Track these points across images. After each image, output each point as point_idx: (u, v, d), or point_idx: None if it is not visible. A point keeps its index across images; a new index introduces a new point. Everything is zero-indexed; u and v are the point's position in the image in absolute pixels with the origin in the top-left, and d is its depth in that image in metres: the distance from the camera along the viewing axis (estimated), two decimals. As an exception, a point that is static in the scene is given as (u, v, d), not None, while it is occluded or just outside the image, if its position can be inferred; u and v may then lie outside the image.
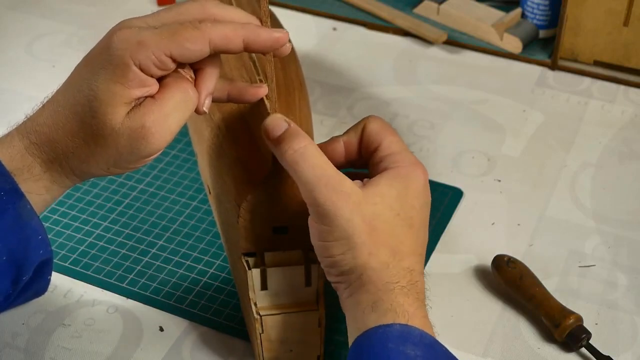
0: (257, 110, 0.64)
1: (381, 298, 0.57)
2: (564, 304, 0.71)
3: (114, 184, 0.85)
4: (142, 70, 0.55)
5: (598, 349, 0.68)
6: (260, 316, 0.62)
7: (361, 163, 0.63)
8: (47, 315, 0.72)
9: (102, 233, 0.80)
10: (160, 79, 0.57)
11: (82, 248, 0.78)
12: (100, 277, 0.76)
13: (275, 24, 0.84)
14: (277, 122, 0.59)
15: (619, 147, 0.91)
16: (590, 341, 0.69)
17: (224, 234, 0.74)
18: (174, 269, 0.76)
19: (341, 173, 0.58)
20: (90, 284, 0.75)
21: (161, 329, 0.72)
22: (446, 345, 0.57)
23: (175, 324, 0.72)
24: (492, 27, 1.04)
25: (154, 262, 0.77)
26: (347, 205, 0.57)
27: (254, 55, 0.71)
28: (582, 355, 0.69)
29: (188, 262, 0.77)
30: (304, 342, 0.65)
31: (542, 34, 1.04)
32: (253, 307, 0.62)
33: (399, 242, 0.58)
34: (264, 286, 0.62)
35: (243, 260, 0.62)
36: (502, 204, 0.84)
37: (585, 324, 0.70)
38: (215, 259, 0.77)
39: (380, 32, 1.09)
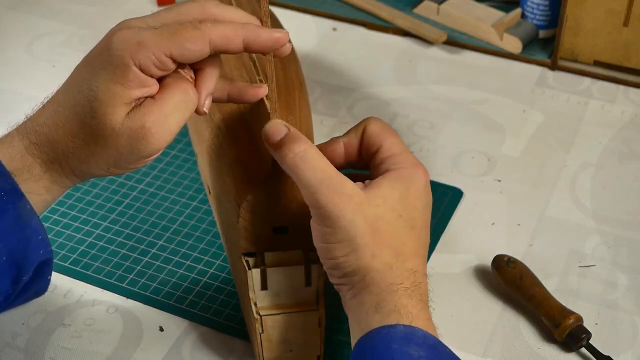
0: (257, 110, 0.64)
1: (385, 299, 0.57)
2: (564, 304, 0.71)
3: (114, 184, 0.85)
4: (142, 70, 0.55)
5: (598, 349, 0.68)
6: (260, 316, 0.62)
7: (361, 164, 0.63)
8: (47, 315, 0.72)
9: (102, 233, 0.80)
10: (160, 80, 0.57)
11: (82, 248, 0.78)
12: (100, 277, 0.76)
13: (276, 24, 0.84)
14: (277, 127, 0.59)
15: (619, 147, 0.91)
16: (590, 341, 0.69)
17: (224, 234, 0.74)
18: (174, 269, 0.76)
19: (343, 175, 0.58)
20: (90, 284, 0.75)
21: (161, 329, 0.72)
22: (446, 346, 0.57)
23: (175, 324, 0.72)
24: (492, 27, 1.04)
25: (154, 262, 0.77)
26: (349, 207, 0.57)
27: (254, 55, 0.71)
28: (582, 355, 0.69)
29: (188, 262, 0.77)
30: (304, 342, 0.65)
31: (542, 34, 1.04)
32: (253, 307, 0.62)
33: (402, 243, 0.58)
34: (264, 286, 0.62)
35: (243, 260, 0.62)
36: (502, 204, 0.84)
37: (585, 324, 0.70)
38: (215, 259, 0.77)
39: (380, 32, 1.09)
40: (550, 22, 1.03)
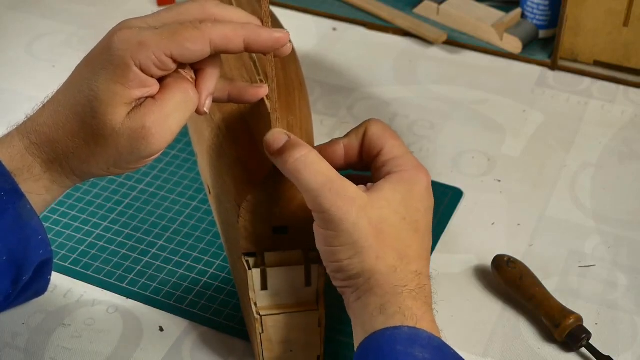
0: (258, 110, 0.64)
1: (389, 301, 0.57)
2: (564, 304, 0.71)
3: (114, 184, 0.85)
4: (142, 70, 0.55)
5: (598, 349, 0.68)
6: (261, 316, 0.62)
7: (362, 166, 0.63)
8: (47, 315, 0.72)
9: (102, 233, 0.80)
10: (160, 80, 0.57)
11: (82, 248, 0.78)
12: (100, 277, 0.76)
13: (276, 24, 0.84)
14: (277, 135, 0.59)
15: (619, 147, 0.91)
16: (590, 341, 0.69)
17: (224, 234, 0.74)
18: (174, 269, 0.76)
19: (345, 178, 0.58)
20: (90, 284, 0.75)
21: (161, 329, 0.72)
22: (446, 345, 0.57)
23: (175, 324, 0.72)
24: (492, 27, 1.04)
25: (154, 262, 0.77)
26: (352, 210, 0.57)
27: (254, 55, 0.71)
28: (582, 355, 0.69)
29: (188, 262, 0.77)
30: (304, 342, 0.65)
31: (542, 34, 1.04)
32: (253, 307, 0.62)
33: (406, 246, 0.58)
34: (264, 286, 0.62)
35: (243, 260, 0.62)
36: (502, 204, 0.84)
37: (585, 324, 0.70)
38: (215, 259, 0.77)
39: (380, 32, 1.09)
40: (550, 22, 1.03)
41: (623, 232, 0.80)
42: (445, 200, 0.84)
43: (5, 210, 0.58)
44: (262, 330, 0.63)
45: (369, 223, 0.57)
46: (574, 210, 0.83)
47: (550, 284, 0.74)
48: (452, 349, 0.57)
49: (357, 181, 0.59)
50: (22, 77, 1.01)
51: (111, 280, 0.75)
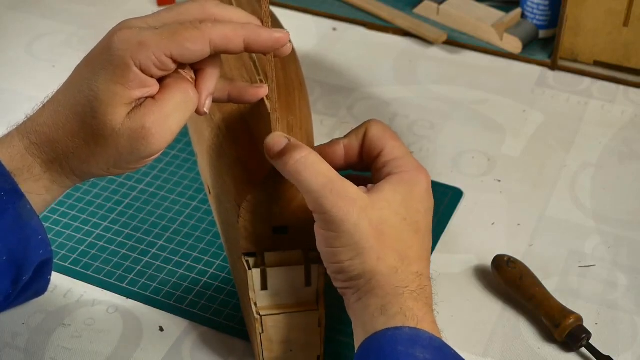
0: (258, 110, 0.64)
1: (390, 302, 0.57)
2: (564, 304, 0.71)
3: (114, 184, 0.85)
4: (142, 70, 0.55)
5: (598, 349, 0.68)
6: (260, 316, 0.62)
7: (362, 167, 0.64)
8: (47, 315, 0.72)
9: (102, 233, 0.80)
10: (160, 80, 0.57)
11: (82, 248, 0.78)
12: (100, 277, 0.76)
13: (276, 24, 0.84)
14: (277, 139, 0.59)
15: (619, 147, 0.91)
16: (590, 341, 0.69)
17: (224, 234, 0.74)
18: (174, 269, 0.76)
19: (345, 179, 0.58)
20: (90, 284, 0.75)
21: (161, 329, 0.72)
22: (446, 345, 0.57)
23: (175, 324, 0.72)
24: (492, 27, 1.04)
25: (154, 262, 0.77)
26: (353, 211, 0.57)
27: (254, 55, 0.71)
28: (582, 355, 0.69)
29: (188, 262, 0.77)
30: (304, 342, 0.65)
31: (542, 34, 1.04)
32: (253, 307, 0.62)
33: (407, 247, 0.58)
34: (264, 286, 0.62)
35: (243, 260, 0.62)
36: (502, 204, 0.84)
37: (585, 324, 0.70)
38: (215, 259, 0.77)
39: (380, 32, 1.09)
40: (550, 22, 1.03)
41: (623, 232, 0.80)
42: (445, 200, 0.84)
43: (5, 210, 0.58)
44: (262, 330, 0.63)
45: (369, 224, 0.57)
46: (574, 210, 0.83)
47: (550, 284, 0.74)
48: (452, 349, 0.57)
49: (357, 182, 0.59)
50: (22, 77, 1.01)
51: (111, 280, 0.75)
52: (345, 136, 0.63)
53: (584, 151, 0.90)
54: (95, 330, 0.71)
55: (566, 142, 0.91)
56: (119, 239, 0.79)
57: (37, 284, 0.66)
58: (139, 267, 0.76)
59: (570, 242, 0.79)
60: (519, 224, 0.81)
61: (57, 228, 0.80)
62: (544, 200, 0.84)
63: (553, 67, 1.02)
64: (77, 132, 0.58)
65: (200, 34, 0.55)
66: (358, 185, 0.59)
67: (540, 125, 0.94)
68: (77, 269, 0.76)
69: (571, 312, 0.70)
